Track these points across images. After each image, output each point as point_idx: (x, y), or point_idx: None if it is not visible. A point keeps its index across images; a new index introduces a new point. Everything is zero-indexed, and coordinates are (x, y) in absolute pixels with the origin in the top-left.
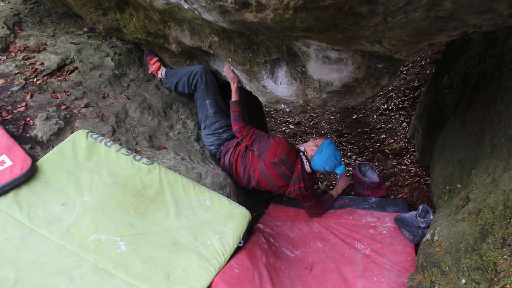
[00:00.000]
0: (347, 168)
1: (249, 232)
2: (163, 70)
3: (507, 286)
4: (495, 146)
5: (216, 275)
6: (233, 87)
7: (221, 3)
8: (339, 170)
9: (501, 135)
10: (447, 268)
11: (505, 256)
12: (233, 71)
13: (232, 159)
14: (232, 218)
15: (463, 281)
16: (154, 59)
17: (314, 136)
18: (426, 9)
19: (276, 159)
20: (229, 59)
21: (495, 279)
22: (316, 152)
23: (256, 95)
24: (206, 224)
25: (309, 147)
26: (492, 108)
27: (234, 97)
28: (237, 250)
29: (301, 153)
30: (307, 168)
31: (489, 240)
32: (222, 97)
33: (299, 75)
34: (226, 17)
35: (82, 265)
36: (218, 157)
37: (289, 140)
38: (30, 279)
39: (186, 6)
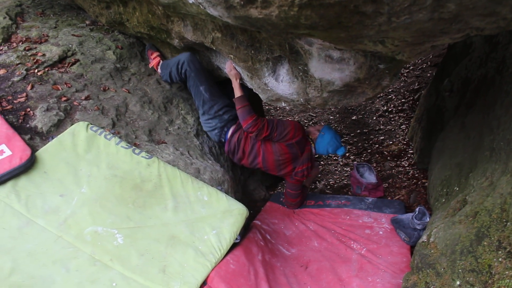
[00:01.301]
0: (345, 169)
1: (246, 229)
2: (161, 64)
3: None
4: (494, 150)
5: (212, 270)
6: (236, 83)
7: None
8: (340, 152)
9: (500, 139)
10: (442, 269)
11: (500, 259)
12: (235, 68)
13: (242, 135)
14: (230, 214)
15: (458, 282)
16: (155, 54)
17: None
18: (431, 10)
19: (294, 140)
20: (231, 56)
21: (489, 281)
22: (319, 135)
23: (257, 93)
24: (203, 219)
25: (312, 132)
26: (492, 112)
27: (237, 93)
28: (234, 246)
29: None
30: (313, 150)
31: (485, 243)
32: (213, 79)
33: (301, 73)
34: (231, 13)
35: (78, 256)
36: (223, 140)
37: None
38: (26, 268)
39: (191, 0)
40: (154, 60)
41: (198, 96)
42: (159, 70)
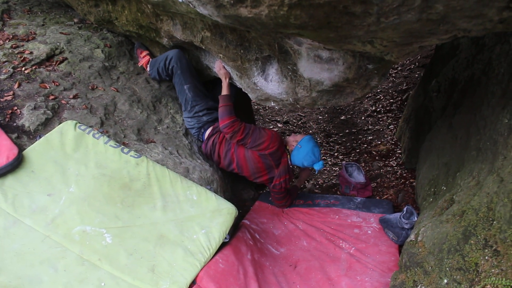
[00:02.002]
0: (334, 168)
1: (235, 228)
2: (148, 67)
3: (488, 286)
4: (480, 150)
5: (201, 269)
6: (225, 83)
7: None
8: (317, 167)
9: (486, 139)
10: (430, 268)
11: (486, 257)
12: (225, 67)
13: (217, 140)
14: (219, 213)
15: (445, 281)
16: (144, 53)
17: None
18: (419, 11)
19: (268, 151)
20: (221, 55)
21: (476, 279)
22: (295, 147)
23: (246, 92)
24: (192, 218)
25: (289, 142)
26: (479, 113)
27: (224, 91)
28: (223, 245)
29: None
30: (289, 162)
31: (472, 241)
32: (199, 79)
33: (290, 73)
34: (221, 12)
35: (66, 256)
36: (201, 139)
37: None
38: (13, 268)
39: None
40: (143, 58)
41: (181, 94)
42: (148, 69)
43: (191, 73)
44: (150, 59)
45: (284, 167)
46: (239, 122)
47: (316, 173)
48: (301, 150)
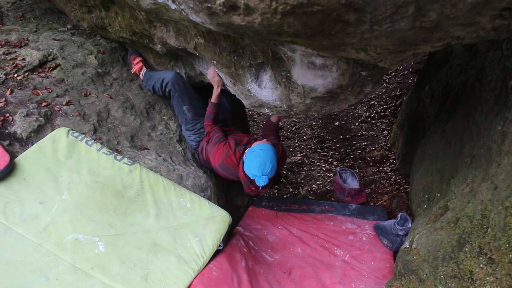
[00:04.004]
0: (328, 174)
1: (229, 235)
2: (144, 71)
3: None
4: (474, 157)
5: (194, 278)
6: (216, 91)
7: (209, 5)
8: (257, 182)
9: (480, 145)
10: (425, 275)
11: (481, 265)
12: (218, 75)
13: (203, 145)
14: (213, 221)
15: None
16: (137, 59)
17: (296, 141)
18: (412, 19)
19: (216, 164)
20: (214, 62)
21: (471, 287)
22: (245, 157)
23: (240, 99)
24: (186, 226)
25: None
26: (472, 119)
27: (213, 99)
28: (217, 253)
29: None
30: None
31: (466, 249)
32: (198, 97)
33: (284, 80)
34: (213, 19)
35: (58, 265)
36: (197, 151)
37: (233, 143)
38: (4, 278)
39: (173, 6)
40: (136, 65)
41: (181, 115)
42: (141, 76)
43: (189, 95)
44: (143, 66)
45: (244, 181)
46: (210, 127)
47: (260, 188)
48: (246, 161)
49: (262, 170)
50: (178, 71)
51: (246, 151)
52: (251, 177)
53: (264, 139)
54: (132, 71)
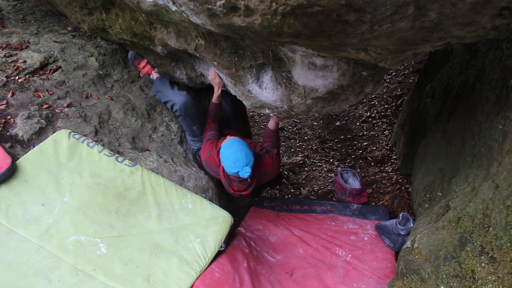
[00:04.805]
0: (329, 175)
1: (231, 236)
2: (155, 76)
3: None
4: (475, 156)
5: (196, 278)
6: (217, 92)
7: (209, 7)
8: (242, 175)
9: (481, 145)
10: (427, 275)
11: (483, 264)
12: (219, 76)
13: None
14: (214, 221)
15: None
16: (143, 63)
17: (297, 141)
18: (412, 19)
19: (202, 161)
20: (215, 63)
21: (473, 286)
22: (220, 158)
23: (241, 99)
24: (187, 227)
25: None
26: (473, 118)
27: (214, 100)
28: (218, 254)
29: None
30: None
31: (468, 248)
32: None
33: (284, 80)
34: (214, 21)
35: (60, 267)
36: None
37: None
38: (6, 280)
39: (174, 8)
40: (145, 68)
41: (189, 130)
42: (153, 76)
43: (199, 117)
44: (152, 68)
45: (224, 181)
46: (208, 125)
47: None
48: (222, 160)
49: (239, 163)
50: (186, 94)
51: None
52: (235, 175)
53: (228, 136)
54: (141, 74)
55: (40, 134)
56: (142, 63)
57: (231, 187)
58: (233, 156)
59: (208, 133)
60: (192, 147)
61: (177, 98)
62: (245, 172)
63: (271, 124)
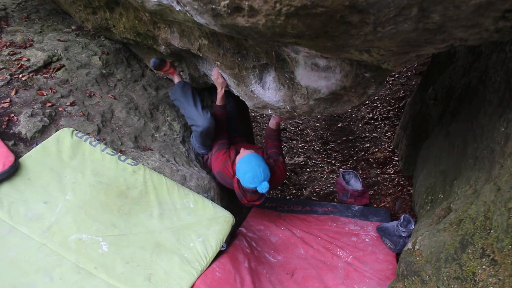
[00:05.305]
0: (331, 176)
1: (232, 236)
2: (176, 79)
3: None
4: (478, 158)
5: (197, 278)
6: (220, 92)
7: (213, 7)
8: (260, 190)
9: (483, 147)
10: (427, 277)
11: (484, 266)
12: (222, 76)
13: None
14: (216, 221)
15: None
16: (166, 67)
17: (299, 142)
18: (415, 21)
19: (214, 171)
20: (218, 63)
21: None
22: (236, 171)
23: (244, 100)
24: (189, 226)
25: (235, 163)
26: (476, 121)
27: (219, 101)
28: (220, 253)
29: None
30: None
31: (469, 250)
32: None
33: (287, 81)
34: (218, 21)
35: (62, 264)
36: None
37: (234, 153)
38: (8, 277)
39: (178, 8)
40: (170, 70)
41: (201, 144)
42: (175, 80)
43: (215, 135)
44: (175, 70)
45: (238, 192)
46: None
47: (265, 195)
48: (239, 175)
49: (257, 179)
50: (210, 117)
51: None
52: (252, 189)
53: (245, 150)
54: (161, 75)
55: (43, 132)
56: (165, 68)
57: (245, 197)
58: (252, 172)
59: (219, 141)
60: (197, 150)
61: (201, 121)
62: (263, 188)
63: (272, 123)
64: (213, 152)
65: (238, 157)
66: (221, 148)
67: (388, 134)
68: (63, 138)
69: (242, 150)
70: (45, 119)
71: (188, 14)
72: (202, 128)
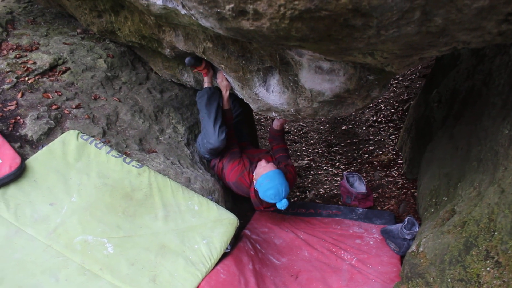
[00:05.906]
0: (335, 178)
1: (236, 238)
2: (205, 83)
3: None
4: (481, 161)
5: (202, 280)
6: (225, 95)
7: (218, 10)
8: (280, 207)
9: (487, 149)
10: (432, 279)
11: (488, 268)
12: (226, 79)
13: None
14: (220, 223)
15: None
16: (200, 68)
17: (303, 145)
18: (418, 24)
19: (230, 181)
20: (222, 66)
21: None
22: (256, 183)
23: (248, 102)
24: (194, 228)
25: (255, 174)
26: (479, 123)
27: (226, 105)
28: (224, 255)
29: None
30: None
31: (473, 252)
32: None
33: (291, 84)
34: (223, 24)
35: (68, 266)
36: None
37: (248, 162)
38: (15, 278)
39: (183, 11)
40: (203, 70)
41: (211, 156)
42: (204, 83)
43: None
44: (208, 72)
45: (255, 201)
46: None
47: (282, 211)
48: (260, 188)
49: (279, 197)
50: (224, 138)
51: (255, 181)
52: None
53: (267, 163)
54: (193, 72)
55: (49, 135)
56: (200, 68)
57: (261, 205)
58: (274, 190)
59: (230, 150)
60: (202, 154)
61: (214, 140)
62: (283, 205)
63: (276, 125)
64: (226, 162)
65: (259, 170)
66: (235, 158)
67: (392, 136)
68: (68, 141)
69: (263, 163)
70: (51, 121)
71: (193, 18)
72: (213, 146)
